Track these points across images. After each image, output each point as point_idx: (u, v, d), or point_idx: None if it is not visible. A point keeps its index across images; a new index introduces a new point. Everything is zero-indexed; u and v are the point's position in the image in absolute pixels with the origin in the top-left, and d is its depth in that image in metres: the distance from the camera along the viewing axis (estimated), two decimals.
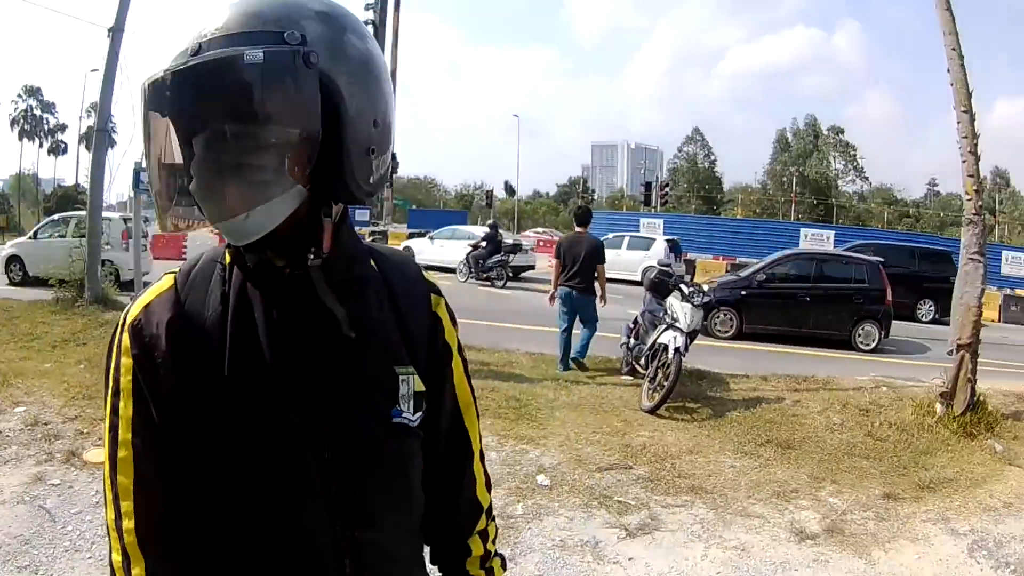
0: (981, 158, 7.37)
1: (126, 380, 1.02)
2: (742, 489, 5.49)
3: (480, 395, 7.05)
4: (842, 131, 58.86)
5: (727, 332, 13.66)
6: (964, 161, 7.33)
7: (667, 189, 38.48)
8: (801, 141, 57.63)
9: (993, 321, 18.73)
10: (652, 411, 7.18)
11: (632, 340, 8.72)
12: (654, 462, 5.93)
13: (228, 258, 1.07)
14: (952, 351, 7.28)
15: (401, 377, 1.10)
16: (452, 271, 21.21)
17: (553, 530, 4.67)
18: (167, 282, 1.07)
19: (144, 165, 0.99)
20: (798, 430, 6.85)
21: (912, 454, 6.37)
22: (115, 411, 1.02)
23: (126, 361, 1.02)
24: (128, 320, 1.04)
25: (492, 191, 52.15)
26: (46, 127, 65.47)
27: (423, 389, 1.13)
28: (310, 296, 1.03)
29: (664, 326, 7.76)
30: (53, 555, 3.89)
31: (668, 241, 23.54)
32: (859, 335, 13.42)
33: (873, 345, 13.33)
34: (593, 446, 6.21)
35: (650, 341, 7.94)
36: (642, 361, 8.15)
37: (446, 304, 1.24)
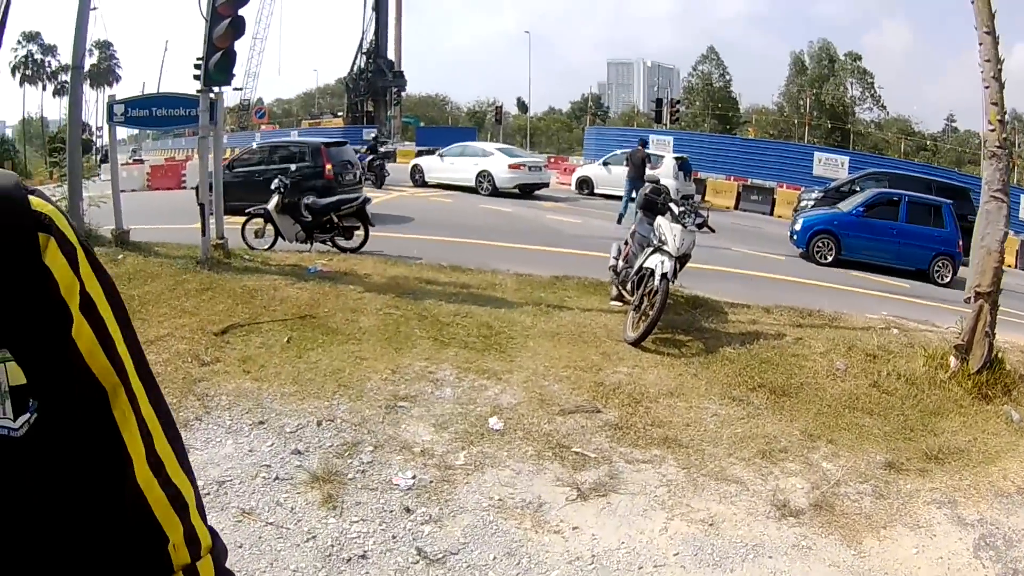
0: (1006, 86, 6.39)
1: None
2: (723, 444, 4.78)
3: (450, 321, 6.04)
4: (859, 57, 55.95)
5: None
6: (987, 87, 6.42)
7: (678, 106, 36.97)
8: (817, 65, 54.99)
9: (1010, 267, 17.74)
10: (636, 343, 6.45)
11: (620, 263, 7.89)
12: (627, 405, 5.23)
13: None
14: (970, 299, 6.52)
15: None
16: (461, 189, 21.42)
17: (494, 486, 4.05)
18: None
19: None
20: (796, 374, 6.09)
21: (921, 414, 5.59)
22: None
23: None
24: None
25: (501, 106, 50.79)
26: (48, 71, 63.63)
27: (24, 381, 0.76)
28: None
29: (652, 248, 6.94)
30: None
31: (677, 159, 22.28)
32: None
33: None
34: (561, 383, 5.51)
35: (637, 264, 7.13)
36: (628, 286, 7.39)
37: (67, 242, 0.79)
